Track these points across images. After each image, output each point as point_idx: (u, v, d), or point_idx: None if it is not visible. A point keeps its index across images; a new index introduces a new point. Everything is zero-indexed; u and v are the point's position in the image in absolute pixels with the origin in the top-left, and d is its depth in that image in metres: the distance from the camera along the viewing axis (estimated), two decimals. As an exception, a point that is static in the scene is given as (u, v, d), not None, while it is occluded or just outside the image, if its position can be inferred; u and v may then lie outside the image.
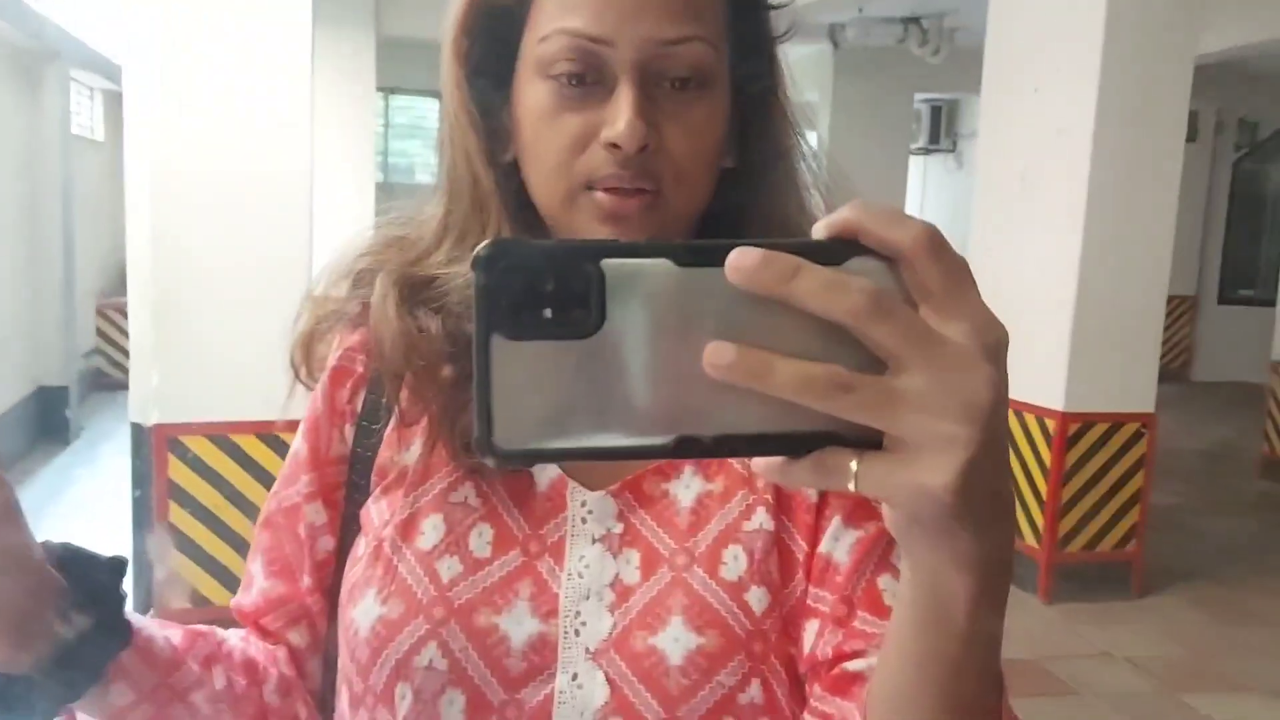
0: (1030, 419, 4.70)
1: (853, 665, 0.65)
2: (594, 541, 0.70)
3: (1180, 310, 11.15)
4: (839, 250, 0.39)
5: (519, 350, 0.39)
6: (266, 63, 3.44)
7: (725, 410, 0.39)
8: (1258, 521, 6.16)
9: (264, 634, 0.78)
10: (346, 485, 0.76)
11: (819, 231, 0.40)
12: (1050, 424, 4.58)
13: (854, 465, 0.39)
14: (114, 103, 9.21)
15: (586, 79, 0.66)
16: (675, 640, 0.66)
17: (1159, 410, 4.72)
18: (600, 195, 0.66)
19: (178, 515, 3.47)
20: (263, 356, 3.63)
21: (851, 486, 0.40)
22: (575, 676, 0.67)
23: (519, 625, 0.68)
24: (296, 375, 0.81)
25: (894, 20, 9.07)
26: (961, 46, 8.94)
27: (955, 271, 0.40)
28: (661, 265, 0.39)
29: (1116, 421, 4.61)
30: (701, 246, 0.39)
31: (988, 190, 5.02)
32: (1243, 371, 10.30)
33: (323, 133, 3.64)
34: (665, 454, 0.40)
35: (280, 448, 3.56)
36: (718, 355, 0.38)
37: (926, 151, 15.20)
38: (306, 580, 0.77)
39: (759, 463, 0.42)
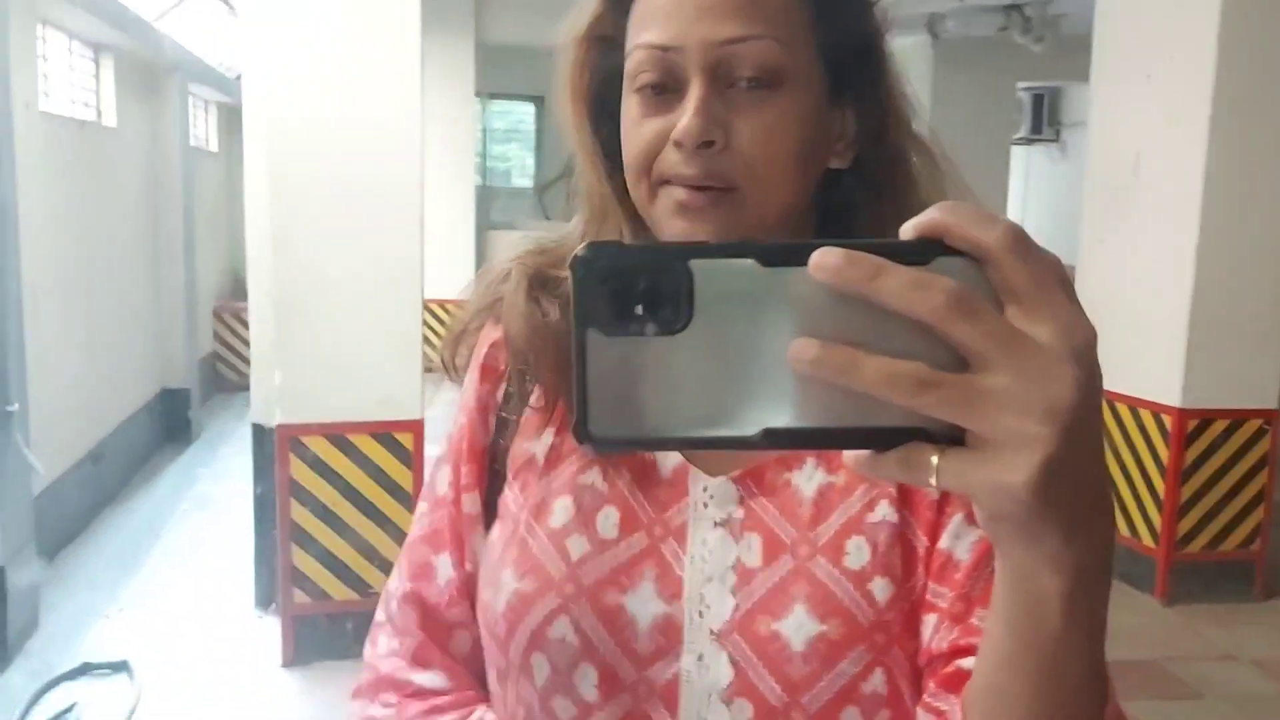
0: (1147, 415, 4.57)
1: (966, 663, 0.65)
2: (715, 525, 0.72)
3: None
4: (924, 250, 0.40)
5: (612, 345, 0.41)
6: (377, 71, 3.54)
7: (810, 404, 0.40)
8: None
9: (450, 627, 0.81)
10: (489, 474, 0.80)
11: (906, 232, 0.41)
12: (1168, 420, 4.44)
13: (935, 460, 0.40)
14: (226, 114, 9.56)
15: (667, 87, 0.68)
16: (798, 627, 0.68)
17: (1275, 405, 4.55)
18: (675, 189, 0.68)
19: (298, 512, 3.59)
20: (377, 357, 3.75)
21: (933, 481, 0.41)
22: (701, 657, 0.69)
23: (645, 606, 0.70)
24: (447, 372, 0.84)
25: (995, 9, 8.89)
26: (1065, 34, 8.71)
27: (1042, 271, 0.40)
28: (747, 265, 0.41)
29: (1237, 418, 4.45)
30: (786, 247, 0.41)
31: (1098, 181, 4.89)
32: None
33: (425, 137, 3.73)
34: (750, 445, 0.41)
35: (394, 447, 3.66)
36: (804, 351, 0.39)
37: (1029, 141, 14.87)
38: (469, 569, 0.81)
39: (847, 456, 0.43)
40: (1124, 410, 4.69)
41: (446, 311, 9.77)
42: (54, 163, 4.98)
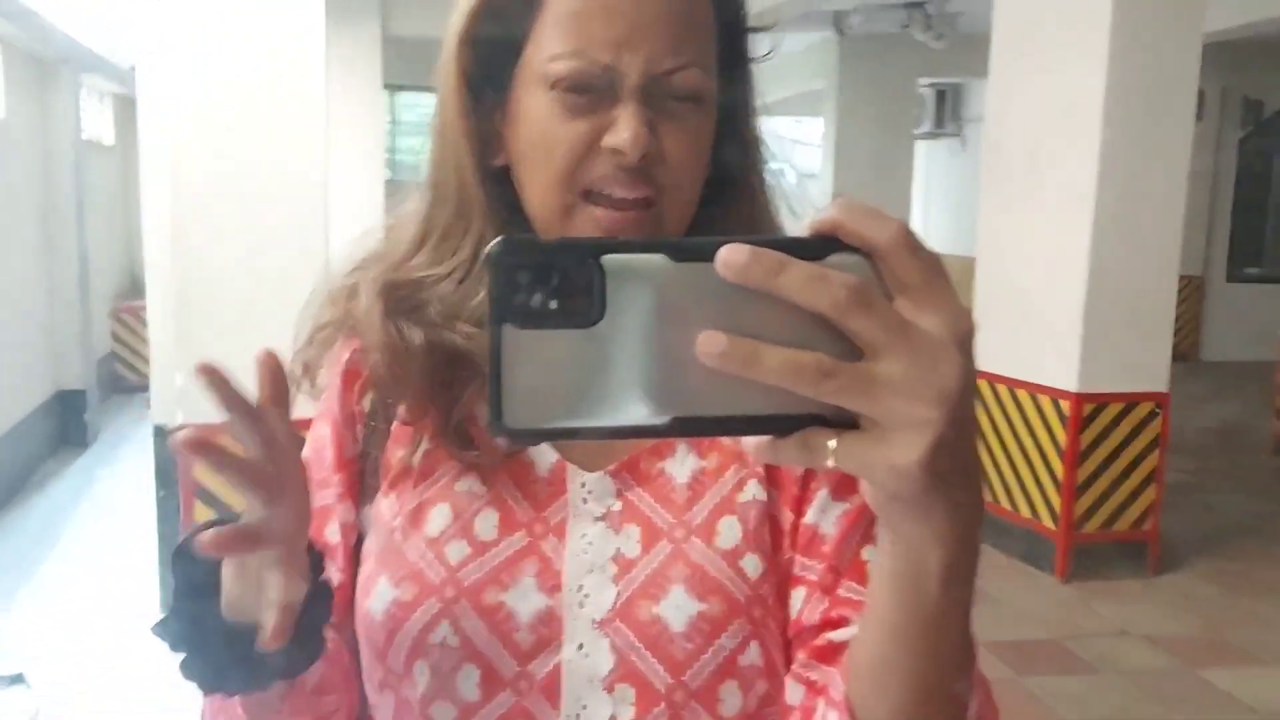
0: (1045, 400, 4.72)
1: (838, 635, 0.68)
2: (595, 520, 0.73)
3: (1188, 290, 11.14)
4: (822, 246, 0.42)
5: (527, 338, 0.42)
6: (279, 62, 3.46)
7: (716, 393, 0.42)
8: (1271, 498, 6.17)
9: None
10: (360, 484, 0.79)
11: (804, 229, 0.43)
12: (1064, 405, 4.60)
13: (833, 444, 0.42)
14: (123, 106, 9.26)
15: (592, 90, 0.69)
16: (678, 607, 0.70)
17: (1170, 390, 4.74)
18: (598, 211, 0.69)
19: (203, 515, 3.51)
20: (282, 356, 3.68)
21: (831, 463, 0.43)
22: (581, 646, 0.71)
23: (525, 600, 0.71)
24: (297, 388, 0.81)
25: (897, 6, 9.07)
26: (965, 31, 8.94)
27: (929, 266, 0.42)
28: (657, 260, 0.42)
29: (1131, 401, 4.63)
30: (694, 243, 0.42)
31: (995, 172, 5.03)
32: (1252, 350, 10.28)
33: (332, 131, 3.67)
34: (661, 433, 0.43)
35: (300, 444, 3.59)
36: (710, 344, 0.40)
37: (932, 135, 15.19)
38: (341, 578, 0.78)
39: (748, 442, 0.45)
40: (1023, 396, 4.83)
41: (355, 308, 9.63)
42: (-64, 156, 4.77)
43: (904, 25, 9.21)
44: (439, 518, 0.74)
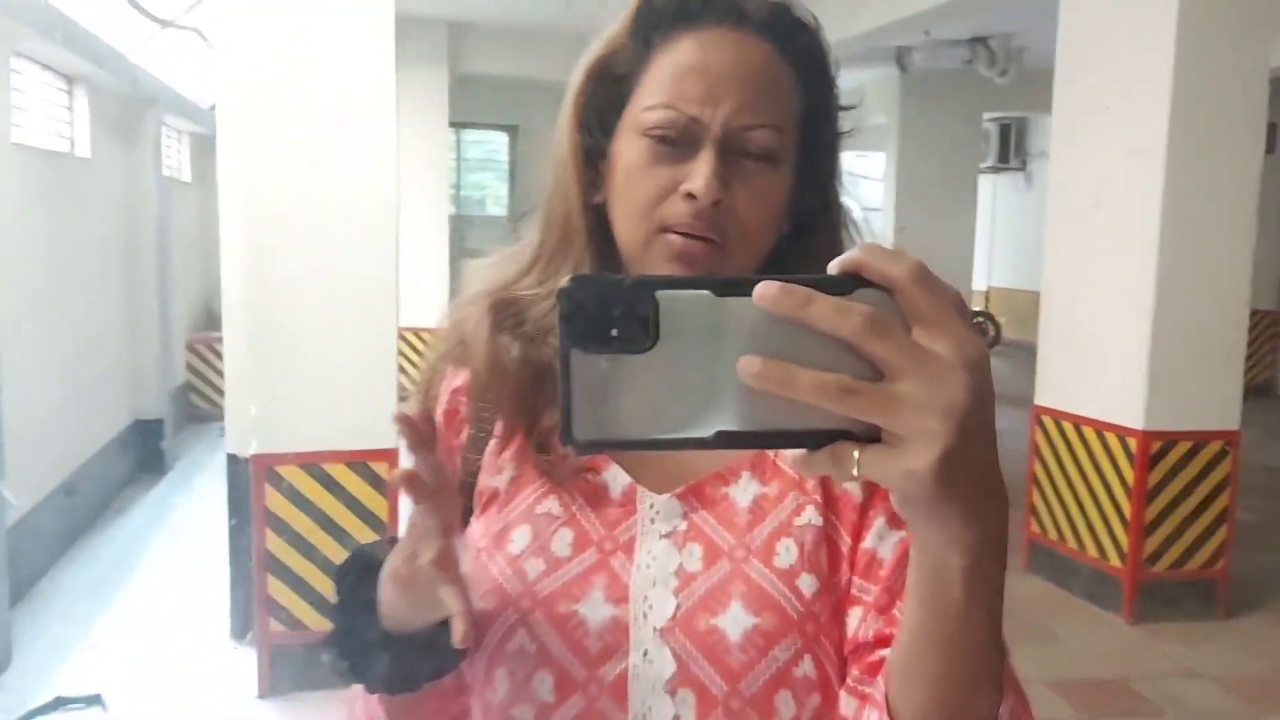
0: (1112, 438, 4.66)
1: (888, 652, 0.72)
2: (661, 537, 0.80)
3: (1265, 324, 10.88)
4: (846, 283, 0.48)
5: (591, 362, 0.48)
6: (352, 101, 3.59)
7: (754, 411, 0.48)
8: (1349, 540, 5.99)
9: None
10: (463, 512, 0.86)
11: (832, 269, 0.49)
12: (1132, 443, 4.53)
13: (857, 455, 0.48)
14: (199, 145, 9.58)
15: (678, 142, 0.77)
16: (735, 621, 0.76)
17: (1245, 426, 4.65)
18: (673, 237, 0.77)
19: (274, 542, 3.61)
20: (352, 387, 3.77)
21: (855, 473, 0.48)
22: (646, 653, 0.76)
23: (595, 611, 0.77)
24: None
25: (961, 42, 9.06)
26: (1029, 66, 8.89)
27: (941, 299, 0.48)
28: (703, 295, 0.48)
29: (1200, 440, 4.55)
30: (735, 280, 0.48)
31: (1060, 210, 5.01)
32: (1331, 386, 9.99)
33: (400, 167, 3.78)
34: (706, 445, 0.49)
35: (368, 475, 3.69)
36: (748, 366, 0.46)
37: (996, 170, 15.09)
38: None
39: (786, 455, 0.50)
40: (1090, 433, 4.78)
41: (421, 340, 9.79)
42: (27, 194, 4.99)
43: (967, 61, 9.19)
44: (520, 538, 0.81)
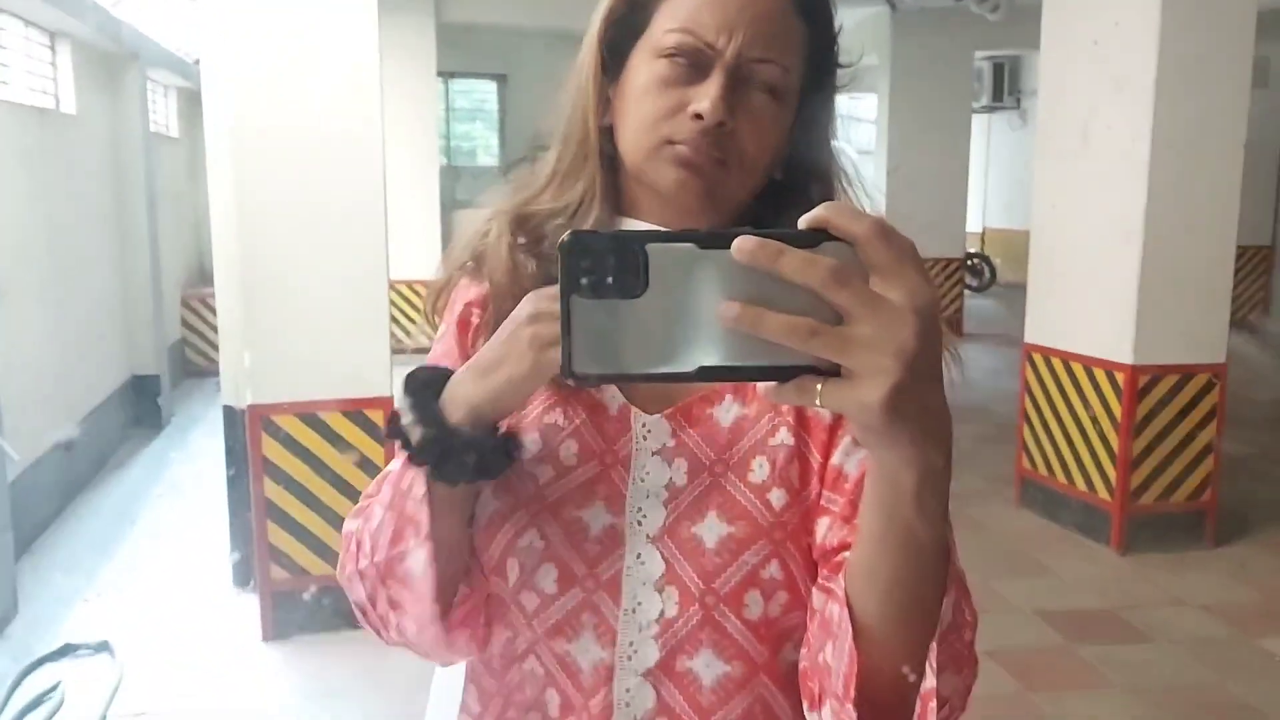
0: (1100, 373, 4.70)
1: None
2: (653, 454, 0.88)
3: (1257, 259, 10.91)
4: (814, 238, 0.55)
5: (589, 306, 0.56)
6: (336, 51, 3.58)
7: (732, 349, 0.55)
8: (1337, 470, 6.07)
9: None
10: None
11: (801, 224, 0.55)
12: (1120, 377, 4.58)
13: (819, 388, 0.55)
14: (186, 99, 9.50)
15: (691, 65, 0.83)
16: (711, 529, 0.85)
17: (1233, 360, 4.69)
18: (679, 147, 0.83)
19: (272, 490, 3.66)
20: (345, 337, 3.80)
21: (818, 403, 0.55)
22: (639, 556, 0.86)
23: (596, 518, 0.86)
24: (428, 320, 0.97)
25: (950, -22, 8.97)
26: (1021, 3, 8.82)
27: (898, 251, 0.55)
28: (687, 248, 0.55)
29: (1187, 373, 4.60)
30: (715, 234, 0.55)
31: (1049, 146, 5.01)
32: (1323, 320, 10.03)
33: (387, 118, 3.77)
34: (689, 379, 0.56)
35: (364, 423, 3.73)
36: (727, 310, 0.53)
37: (990, 109, 15.01)
38: None
39: (760, 386, 0.58)
40: (1078, 369, 4.82)
41: (415, 292, 9.79)
42: (13, 151, 4.97)
43: (957, -2, 9.11)
44: (530, 444, 0.88)
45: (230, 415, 4.11)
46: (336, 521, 3.70)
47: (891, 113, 11.02)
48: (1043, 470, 5.13)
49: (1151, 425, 4.61)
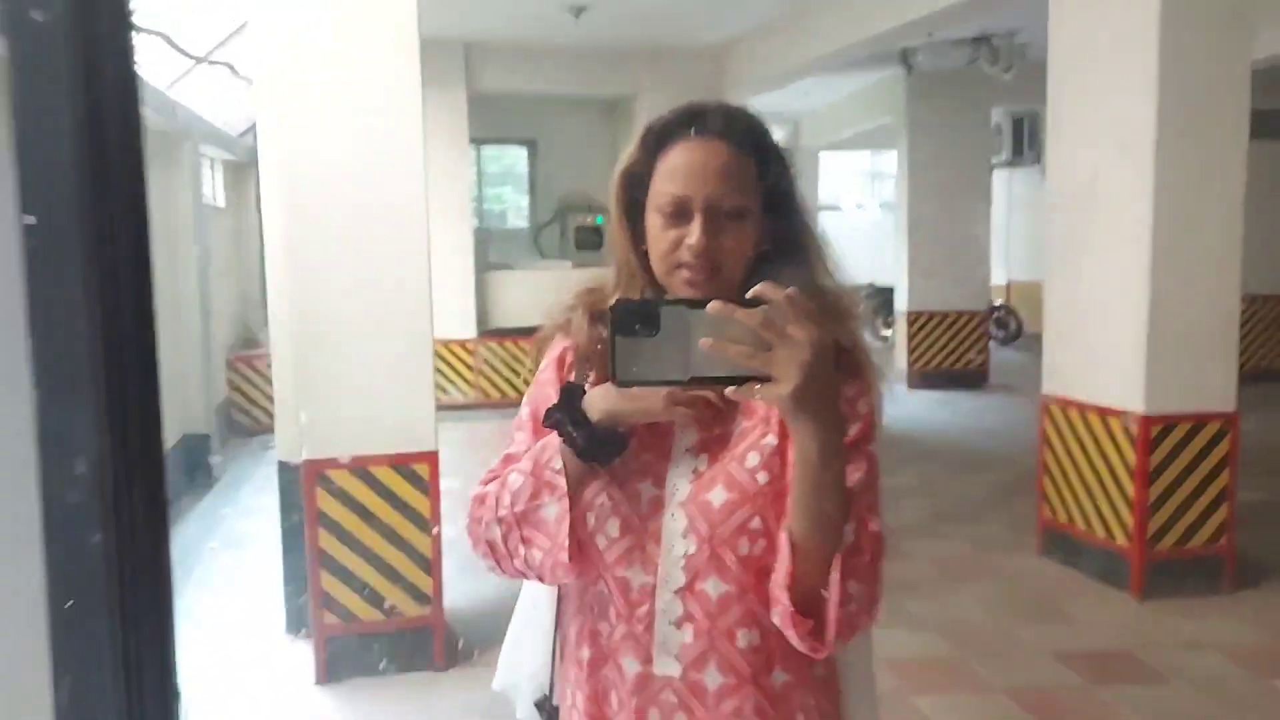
0: (1114, 422, 4.86)
1: None
2: (685, 451, 1.30)
3: (1266, 309, 10.99)
4: (756, 302, 1.02)
5: (626, 341, 1.04)
6: (382, 122, 3.86)
7: (708, 366, 1.02)
8: (1359, 515, 6.14)
9: None
10: None
11: (748, 295, 1.03)
12: (1134, 426, 4.74)
13: (758, 389, 1.04)
14: (232, 171, 9.91)
15: (679, 213, 1.26)
16: (717, 496, 1.25)
17: (1248, 409, 4.81)
18: (684, 271, 1.26)
19: (326, 540, 3.88)
20: (393, 394, 4.04)
21: (756, 397, 1.05)
22: (673, 515, 1.27)
23: (646, 489, 1.28)
24: (534, 358, 1.41)
25: (964, 42, 9.26)
26: (1034, 60, 9.08)
27: (800, 310, 1.03)
28: (682, 308, 1.05)
29: (1199, 421, 4.75)
30: (699, 300, 1.03)
31: (1058, 201, 5.22)
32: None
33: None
34: (684, 385, 1.06)
35: (411, 477, 3.95)
36: (706, 344, 1.02)
37: (1011, 164, 15.19)
38: None
39: (729, 390, 1.05)
40: (1093, 418, 4.98)
41: (452, 352, 10.07)
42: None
43: (971, 60, 9.39)
44: None
45: (284, 470, 4.36)
46: (386, 570, 3.92)
47: (911, 169, 11.26)
48: (1063, 518, 5.27)
49: (1166, 473, 4.76)
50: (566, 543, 1.23)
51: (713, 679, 1.25)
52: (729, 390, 1.03)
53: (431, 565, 3.97)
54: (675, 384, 1.03)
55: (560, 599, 1.39)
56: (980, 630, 4.53)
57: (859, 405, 1.24)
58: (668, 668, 1.26)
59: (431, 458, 3.97)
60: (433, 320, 4.05)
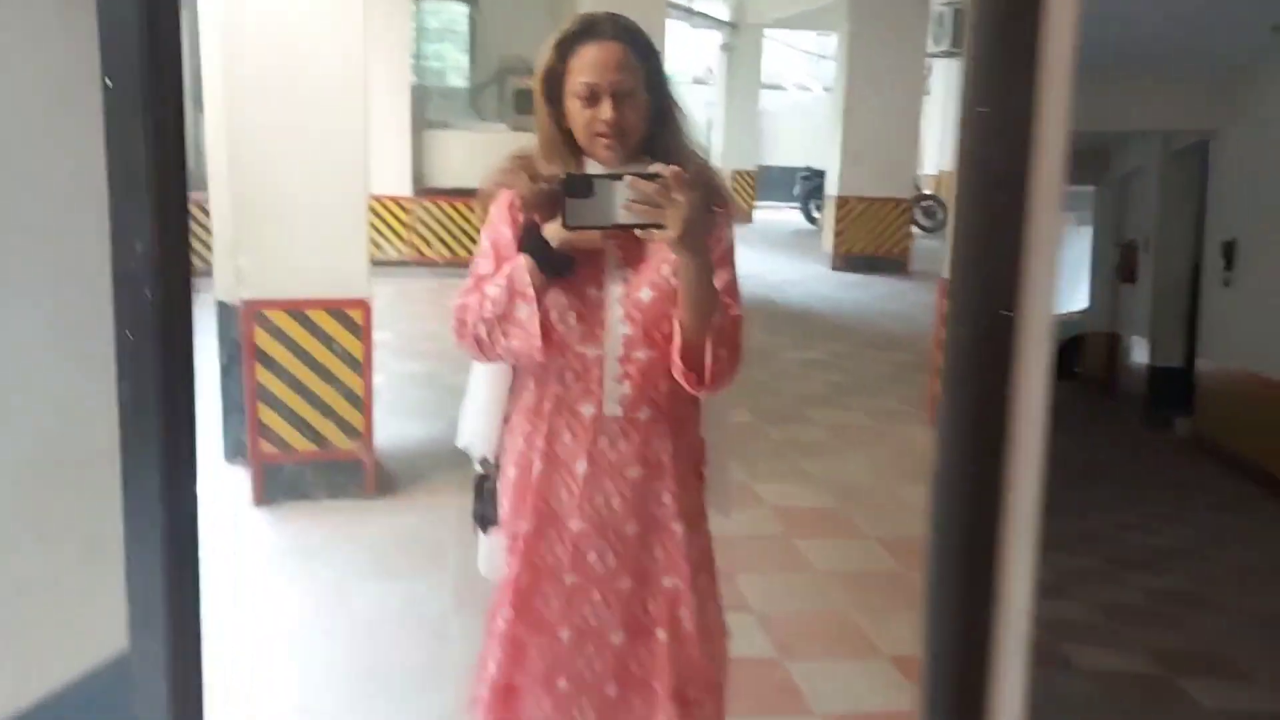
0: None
1: None
2: (615, 268, 1.78)
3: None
4: (655, 175, 1.59)
5: (574, 202, 1.61)
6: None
7: (626, 217, 1.60)
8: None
9: None
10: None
11: (652, 169, 1.60)
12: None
13: (655, 233, 1.61)
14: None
15: (591, 98, 1.72)
16: (645, 294, 1.75)
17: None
18: (603, 141, 1.72)
19: (263, 375, 4.16)
20: (330, 242, 4.32)
21: (656, 238, 1.62)
22: (614, 307, 1.76)
23: (592, 292, 1.75)
24: (480, 212, 1.85)
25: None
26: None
27: (682, 180, 1.58)
28: (607, 180, 1.61)
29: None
30: (618, 172, 1.62)
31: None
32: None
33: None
34: (611, 229, 1.64)
35: (345, 321, 4.22)
36: (623, 202, 1.61)
37: (950, 54, 15.40)
38: None
39: (638, 233, 1.63)
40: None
41: (385, 208, 10.18)
42: None
43: (913, -53, 9.50)
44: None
45: (223, 309, 4.59)
46: (320, 405, 4.22)
47: (850, 53, 11.45)
48: (950, 392, 5.72)
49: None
50: (539, 333, 1.70)
51: (644, 414, 1.80)
52: (638, 233, 1.60)
53: (363, 403, 4.28)
54: (605, 228, 1.60)
55: (515, 376, 1.88)
56: (865, 489, 5.00)
57: (725, 234, 1.79)
58: (613, 410, 1.78)
59: (364, 305, 4.24)
60: (368, 173, 4.26)
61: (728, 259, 1.79)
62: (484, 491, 1.90)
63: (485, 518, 1.89)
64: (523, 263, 1.69)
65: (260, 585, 3.70)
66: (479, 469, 1.92)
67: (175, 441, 1.01)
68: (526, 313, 1.69)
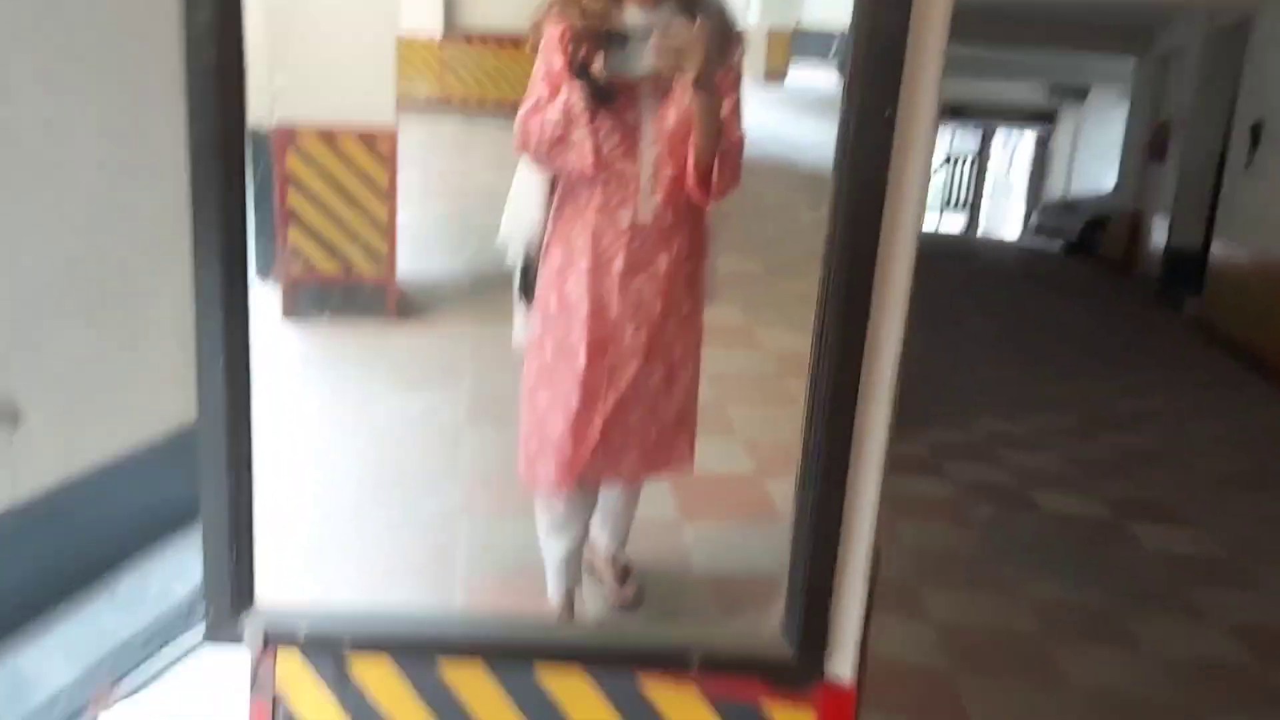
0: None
1: None
2: (647, 100, 1.95)
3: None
4: (686, 23, 1.79)
5: (612, 50, 1.85)
6: None
7: (656, 61, 1.82)
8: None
9: None
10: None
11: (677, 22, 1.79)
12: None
13: (679, 77, 1.85)
14: None
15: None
16: (671, 118, 1.94)
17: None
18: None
19: (294, 198, 4.39)
20: (357, 70, 4.49)
21: (681, 79, 1.84)
22: (647, 130, 1.97)
23: (630, 118, 1.96)
24: (534, 49, 1.95)
25: None
26: None
27: (703, 31, 1.80)
28: (638, 32, 1.82)
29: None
30: (646, 26, 1.80)
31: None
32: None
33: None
34: (638, 73, 1.86)
35: (372, 149, 4.42)
36: (654, 50, 1.81)
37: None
38: None
39: (664, 73, 1.86)
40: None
41: (417, 52, 10.18)
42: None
43: None
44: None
45: (254, 139, 4.78)
46: (346, 230, 4.46)
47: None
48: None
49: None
50: (591, 151, 1.96)
51: (669, 219, 2.07)
52: (664, 73, 1.84)
53: (387, 230, 4.51)
54: (637, 74, 1.85)
55: (561, 183, 2.13)
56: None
57: (735, 68, 1.97)
58: (647, 218, 2.06)
59: (391, 136, 4.43)
60: (399, 15, 4.40)
61: (735, 86, 2.01)
62: (528, 271, 2.18)
63: (529, 289, 2.19)
64: (576, 93, 1.91)
65: (288, 386, 4.01)
66: (522, 256, 2.21)
67: (232, 242, 1.37)
68: (580, 135, 1.94)
